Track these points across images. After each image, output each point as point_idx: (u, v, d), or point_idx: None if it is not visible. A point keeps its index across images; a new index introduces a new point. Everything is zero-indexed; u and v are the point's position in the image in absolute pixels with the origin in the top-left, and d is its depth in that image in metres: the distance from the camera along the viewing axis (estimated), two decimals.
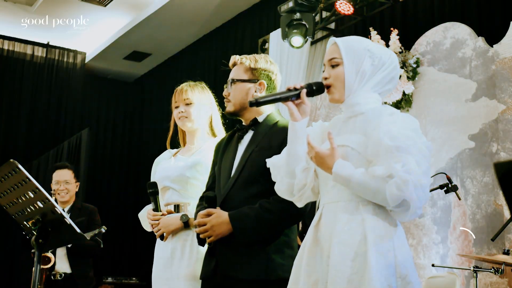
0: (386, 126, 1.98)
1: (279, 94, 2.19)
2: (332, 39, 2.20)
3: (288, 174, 2.19)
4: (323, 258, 2.03)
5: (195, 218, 2.61)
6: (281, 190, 2.24)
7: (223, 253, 2.51)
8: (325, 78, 2.17)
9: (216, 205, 2.55)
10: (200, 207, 2.68)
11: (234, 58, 2.75)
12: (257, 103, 2.16)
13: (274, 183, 2.34)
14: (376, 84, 2.15)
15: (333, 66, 2.16)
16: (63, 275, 4.62)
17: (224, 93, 2.73)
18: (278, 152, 2.43)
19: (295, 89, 2.15)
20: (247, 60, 2.71)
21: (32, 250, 4.67)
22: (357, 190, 1.99)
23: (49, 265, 4.53)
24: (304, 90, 2.14)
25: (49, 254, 4.54)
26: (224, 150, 2.73)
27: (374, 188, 1.94)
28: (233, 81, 2.69)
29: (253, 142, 2.62)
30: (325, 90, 2.18)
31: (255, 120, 2.68)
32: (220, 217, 2.49)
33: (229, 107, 2.70)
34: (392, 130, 1.96)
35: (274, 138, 2.57)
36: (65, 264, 4.64)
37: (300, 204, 2.26)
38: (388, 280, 1.92)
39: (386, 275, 1.93)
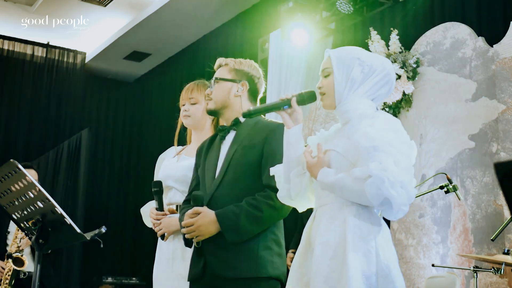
0: (364, 129, 2.05)
1: (271, 104, 2.30)
2: (327, 50, 2.30)
3: (286, 180, 2.26)
4: (312, 259, 2.09)
5: (182, 219, 2.60)
6: (282, 196, 2.31)
7: (211, 252, 2.51)
8: (319, 88, 2.27)
9: (203, 204, 2.55)
10: (185, 209, 2.68)
11: (220, 61, 2.82)
12: (250, 114, 2.28)
13: (259, 181, 2.48)
14: (367, 90, 2.21)
15: (325, 76, 2.25)
16: (26, 274, 4.63)
17: (207, 92, 2.78)
18: (261, 150, 2.54)
19: (287, 99, 2.24)
20: (232, 61, 2.79)
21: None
22: (342, 194, 2.06)
23: (23, 267, 4.55)
24: (294, 99, 2.24)
25: (23, 257, 4.55)
26: (207, 152, 2.75)
27: (356, 190, 2.00)
28: (216, 79, 2.75)
29: (236, 141, 2.65)
30: (317, 98, 2.29)
31: (236, 120, 2.71)
32: (207, 216, 2.49)
33: (210, 105, 2.75)
34: (369, 132, 2.03)
35: (256, 136, 2.61)
36: (29, 263, 4.64)
37: (300, 209, 2.33)
38: (369, 279, 1.97)
39: (367, 274, 1.97)
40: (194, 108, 3.08)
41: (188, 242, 2.60)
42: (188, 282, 2.72)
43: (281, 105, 2.23)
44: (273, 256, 2.51)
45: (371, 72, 2.19)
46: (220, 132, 2.74)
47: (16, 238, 4.66)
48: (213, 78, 2.76)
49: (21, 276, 4.62)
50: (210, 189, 2.60)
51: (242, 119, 2.70)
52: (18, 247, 4.61)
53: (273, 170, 2.33)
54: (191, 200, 2.57)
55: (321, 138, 2.30)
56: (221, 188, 2.57)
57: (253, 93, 2.78)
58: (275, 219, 2.56)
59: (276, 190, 2.33)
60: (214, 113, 2.78)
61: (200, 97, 3.08)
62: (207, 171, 2.68)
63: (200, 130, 3.11)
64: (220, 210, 2.51)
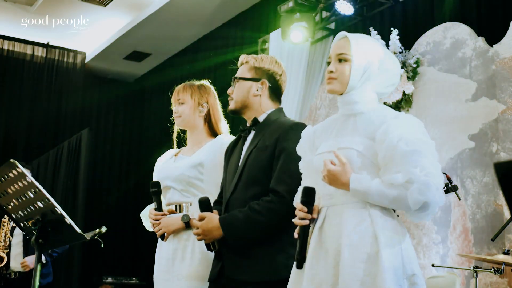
0: (397, 131, 1.99)
1: (302, 237, 2.13)
2: (343, 33, 2.20)
3: None
4: (328, 260, 2.03)
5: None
6: None
7: (227, 256, 2.52)
8: (331, 72, 2.17)
9: (209, 209, 2.57)
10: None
11: (241, 58, 2.79)
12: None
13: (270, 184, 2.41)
14: (377, 85, 2.18)
15: (340, 61, 2.16)
16: (17, 273, 4.63)
17: (228, 91, 2.76)
18: (273, 151, 2.50)
19: (312, 218, 2.12)
20: (252, 59, 2.75)
21: None
22: (376, 200, 1.99)
23: (1, 265, 4.55)
24: (315, 216, 2.12)
25: (2, 254, 4.55)
26: (230, 154, 2.76)
27: (395, 197, 1.95)
28: (236, 78, 2.73)
29: (253, 143, 2.65)
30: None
31: (255, 120, 2.70)
32: (211, 222, 2.51)
33: (231, 105, 2.74)
34: (404, 135, 1.98)
35: (269, 137, 2.59)
36: (17, 264, 4.65)
37: None
38: (398, 281, 1.94)
39: (397, 275, 1.94)
40: (181, 108, 3.08)
41: (208, 247, 2.61)
42: (191, 282, 2.76)
43: (308, 228, 2.11)
44: (289, 259, 2.46)
45: (385, 68, 2.17)
46: (241, 133, 2.74)
47: None
48: (233, 77, 2.75)
49: (12, 276, 4.63)
50: (228, 192, 2.61)
51: (261, 119, 2.68)
52: (3, 245, 4.63)
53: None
54: (199, 205, 2.60)
55: (315, 135, 2.26)
56: (236, 191, 2.58)
57: (274, 91, 2.73)
58: (279, 224, 2.50)
59: (280, 195, 2.33)
60: (235, 113, 2.76)
61: (187, 97, 3.09)
62: (229, 173, 2.69)
63: (193, 130, 3.11)
64: (224, 215, 2.53)
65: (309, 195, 2.10)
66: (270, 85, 2.71)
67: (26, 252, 4.69)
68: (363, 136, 2.07)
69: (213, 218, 2.51)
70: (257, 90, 2.69)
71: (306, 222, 2.09)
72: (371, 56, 2.15)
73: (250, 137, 2.69)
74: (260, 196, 2.51)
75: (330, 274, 2.01)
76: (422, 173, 1.91)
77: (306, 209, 2.08)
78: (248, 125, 2.73)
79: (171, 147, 3.29)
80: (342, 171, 2.01)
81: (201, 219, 2.53)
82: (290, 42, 6.04)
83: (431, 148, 2.01)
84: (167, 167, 3.06)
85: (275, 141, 2.54)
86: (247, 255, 2.48)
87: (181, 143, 3.24)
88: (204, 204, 2.58)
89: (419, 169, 1.92)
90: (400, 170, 1.94)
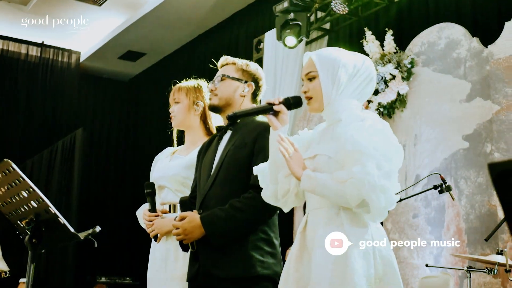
0: (350, 132, 2.03)
1: (257, 108, 2.30)
2: (307, 53, 2.27)
3: (272, 180, 2.24)
4: (310, 263, 2.08)
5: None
6: (267, 196, 2.29)
7: (205, 253, 2.53)
8: (305, 92, 2.23)
9: (190, 208, 2.58)
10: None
11: (226, 59, 2.83)
12: (235, 116, 2.25)
13: (250, 181, 2.45)
14: (353, 91, 2.19)
15: (310, 80, 2.22)
16: (7, 273, 4.67)
17: (210, 87, 2.78)
18: (252, 148, 2.55)
19: (273, 103, 2.21)
20: (239, 61, 2.81)
21: None
22: (323, 194, 2.05)
23: None
24: (281, 105, 2.21)
25: None
26: (205, 153, 2.77)
27: (336, 190, 1.99)
28: (223, 76, 2.75)
29: (230, 141, 2.67)
30: (304, 103, 2.26)
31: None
32: (192, 221, 2.52)
33: (214, 100, 2.76)
34: (354, 136, 2.01)
35: (248, 135, 2.62)
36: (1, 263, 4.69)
37: (285, 209, 2.30)
38: (369, 281, 1.97)
39: (368, 276, 1.98)
40: (176, 108, 3.10)
41: (184, 247, 2.61)
42: (184, 283, 2.75)
43: (268, 110, 2.22)
44: (264, 256, 2.51)
45: (355, 72, 2.18)
46: (217, 132, 2.76)
47: None
48: (219, 75, 2.77)
49: (3, 276, 4.65)
50: (204, 189, 2.62)
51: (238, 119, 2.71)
52: None
53: (256, 170, 2.32)
54: (179, 205, 2.60)
55: (304, 138, 2.29)
56: (213, 188, 2.59)
57: (255, 95, 2.80)
58: (261, 220, 2.56)
59: (261, 191, 2.32)
60: (216, 110, 2.79)
61: (182, 97, 3.10)
62: (202, 171, 2.70)
63: (189, 129, 3.12)
64: (205, 214, 2.53)
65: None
66: (254, 89, 2.77)
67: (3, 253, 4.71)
68: (333, 140, 2.12)
69: (194, 217, 2.53)
70: (243, 91, 2.74)
71: (271, 106, 2.22)
72: (334, 64, 2.18)
73: (226, 137, 2.71)
74: (238, 193, 2.53)
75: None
76: (360, 170, 1.94)
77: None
78: (224, 124, 2.76)
79: (166, 147, 3.29)
80: (293, 159, 2.10)
81: (182, 219, 2.54)
82: (284, 46, 6.05)
83: (382, 149, 2.00)
84: (162, 166, 3.07)
85: (254, 139, 2.58)
86: (223, 251, 2.50)
87: (181, 142, 3.24)
88: (185, 204, 2.59)
89: (359, 167, 1.94)
90: (346, 169, 1.99)
